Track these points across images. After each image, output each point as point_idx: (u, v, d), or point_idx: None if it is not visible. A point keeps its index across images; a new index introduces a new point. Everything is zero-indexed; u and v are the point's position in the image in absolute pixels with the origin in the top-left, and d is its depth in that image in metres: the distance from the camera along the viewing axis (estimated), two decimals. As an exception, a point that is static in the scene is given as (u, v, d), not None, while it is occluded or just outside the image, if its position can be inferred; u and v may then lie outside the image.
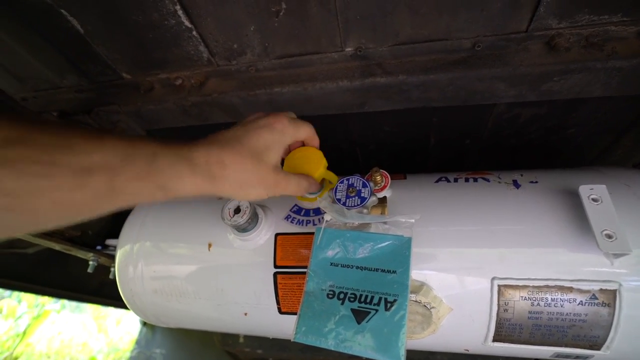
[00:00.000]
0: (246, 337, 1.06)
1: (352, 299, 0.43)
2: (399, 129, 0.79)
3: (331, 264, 0.46)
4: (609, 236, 0.41)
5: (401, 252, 0.42)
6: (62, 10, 0.58)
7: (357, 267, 0.45)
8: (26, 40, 0.65)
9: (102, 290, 1.41)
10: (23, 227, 0.27)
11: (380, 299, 0.41)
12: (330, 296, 0.44)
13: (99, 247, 0.78)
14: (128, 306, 0.68)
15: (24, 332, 2.11)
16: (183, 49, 0.63)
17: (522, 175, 0.55)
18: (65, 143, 0.26)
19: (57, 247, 0.71)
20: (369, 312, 0.41)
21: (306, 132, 0.46)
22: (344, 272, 0.45)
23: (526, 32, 0.54)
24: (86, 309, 2.68)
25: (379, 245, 0.44)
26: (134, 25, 0.59)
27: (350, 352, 0.41)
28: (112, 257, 0.76)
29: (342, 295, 0.44)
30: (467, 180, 0.55)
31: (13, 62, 0.71)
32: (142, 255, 0.61)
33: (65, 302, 2.54)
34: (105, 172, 0.27)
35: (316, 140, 0.48)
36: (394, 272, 0.42)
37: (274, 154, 0.40)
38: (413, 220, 0.43)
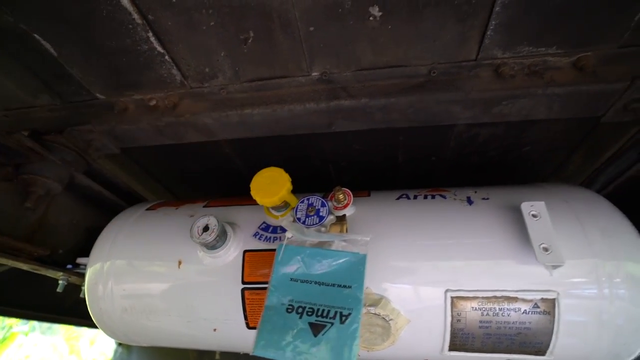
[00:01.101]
0: (222, 354, 1.05)
1: (309, 313, 0.45)
2: (368, 147, 0.83)
3: (291, 279, 0.48)
4: (546, 249, 0.45)
5: (356, 268, 0.45)
6: (36, 35, 0.59)
7: (316, 282, 0.47)
8: (-1, 62, 0.66)
9: (76, 310, 1.37)
10: None
11: (336, 312, 0.44)
12: (289, 310, 0.46)
13: (69, 266, 0.78)
14: (97, 325, 0.68)
15: (-11, 357, 2.01)
16: (156, 72, 0.65)
17: (475, 192, 0.59)
18: None
19: (24, 267, 0.70)
20: (325, 325, 0.43)
21: None
22: (303, 287, 0.47)
23: (475, 60, 0.59)
24: (58, 330, 2.57)
25: (336, 262, 0.47)
26: (107, 50, 0.61)
27: None
28: (83, 276, 0.75)
29: (300, 310, 0.46)
30: (425, 197, 0.59)
31: (-16, 82, 0.71)
32: (112, 274, 0.62)
33: (35, 323, 2.44)
34: None
35: None
36: (350, 287, 0.44)
37: None
38: (368, 239, 0.46)
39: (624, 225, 0.51)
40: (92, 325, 1.46)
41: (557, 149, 0.81)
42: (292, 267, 0.49)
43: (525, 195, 0.56)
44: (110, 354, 1.64)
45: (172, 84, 0.67)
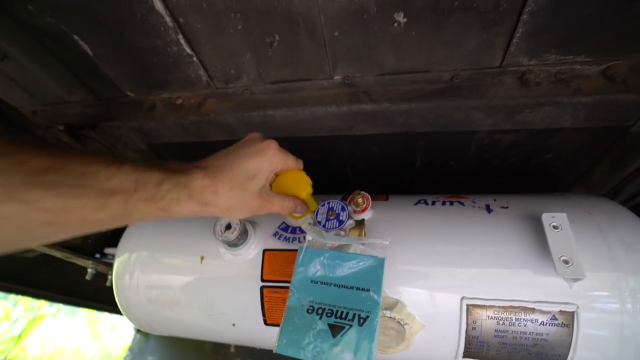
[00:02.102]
0: (237, 347, 1.08)
1: (329, 315, 0.46)
2: (387, 150, 0.83)
3: (312, 281, 0.50)
4: (566, 262, 0.45)
5: (375, 272, 0.46)
6: (75, 36, 0.63)
7: (335, 285, 0.49)
8: (40, 60, 0.69)
9: (98, 296, 1.44)
10: (56, 237, 0.32)
11: (354, 314, 0.45)
12: (309, 311, 0.48)
13: (97, 255, 0.82)
14: (123, 314, 0.71)
15: (19, 336, 2.12)
16: (184, 72, 0.67)
17: (495, 200, 0.58)
18: (91, 170, 0.31)
19: (58, 254, 0.74)
20: (344, 327, 0.45)
21: (294, 164, 0.50)
22: (322, 289, 0.49)
23: (500, 67, 0.59)
24: (80, 314, 2.69)
25: (355, 265, 0.48)
26: (139, 50, 0.64)
27: None
28: (110, 265, 0.79)
29: (320, 311, 0.47)
30: (443, 203, 0.59)
31: (26, 78, 0.75)
32: (138, 265, 0.65)
33: (60, 306, 2.56)
34: (122, 195, 0.33)
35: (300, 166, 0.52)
36: (368, 290, 0.45)
37: (260, 180, 0.45)
38: (387, 242, 0.47)
39: (650, 240, 0.50)
40: (112, 310, 1.53)
41: (581, 157, 0.79)
42: (313, 270, 0.50)
43: (546, 205, 0.56)
44: (129, 340, 1.71)
45: (198, 84, 0.70)
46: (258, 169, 0.44)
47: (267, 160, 0.45)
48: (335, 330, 0.45)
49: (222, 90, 0.71)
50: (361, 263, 0.47)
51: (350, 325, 0.44)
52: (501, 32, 0.54)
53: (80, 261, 0.78)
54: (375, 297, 0.45)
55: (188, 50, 0.63)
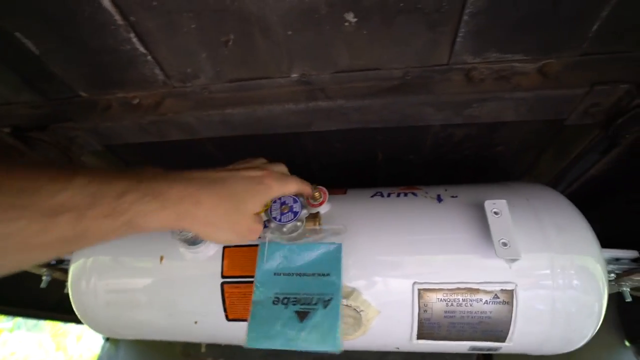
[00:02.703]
0: (208, 346, 1.08)
1: (294, 302, 0.49)
2: (349, 146, 0.86)
3: (274, 273, 0.51)
4: (504, 244, 0.48)
5: (334, 257, 0.49)
6: (17, 33, 0.60)
7: (297, 274, 0.51)
8: (-22, 58, 0.66)
9: (61, 307, 1.37)
10: None
11: (318, 299, 0.47)
12: (275, 302, 0.49)
13: (53, 262, 0.79)
14: (81, 319, 0.69)
15: (-27, 353, 1.98)
16: (139, 71, 0.66)
17: (446, 190, 0.62)
18: (32, 186, 0.27)
19: (8, 262, 0.71)
20: (309, 312, 0.47)
21: (293, 189, 0.50)
22: (286, 280, 0.51)
23: (447, 64, 0.62)
24: (44, 328, 2.55)
25: (314, 253, 0.50)
26: (89, 49, 0.62)
27: (297, 349, 0.47)
28: (66, 272, 0.76)
29: (285, 301, 0.49)
30: (398, 195, 0.62)
31: (-37, 77, 0.71)
32: (95, 269, 0.63)
33: (20, 321, 2.41)
34: (72, 212, 0.28)
35: (306, 190, 0.54)
36: (328, 274, 0.48)
37: (254, 205, 0.43)
38: (342, 227, 0.50)
39: (579, 221, 0.55)
40: (77, 321, 1.46)
41: (528, 148, 0.85)
42: (275, 263, 0.52)
43: (491, 194, 0.60)
44: (98, 349, 1.64)
45: (155, 83, 0.68)
46: (254, 193, 0.42)
47: (264, 188, 0.44)
48: (302, 315, 0.47)
49: (180, 90, 0.70)
50: (320, 251, 0.50)
51: (316, 309, 0.46)
52: (445, 32, 0.57)
53: (33, 268, 0.75)
54: (336, 280, 0.47)
55: (142, 49, 0.61)
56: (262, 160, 0.48)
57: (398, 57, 0.62)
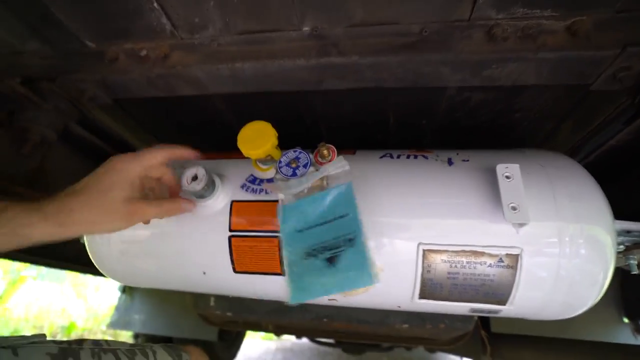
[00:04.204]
0: (216, 300, 1.13)
1: (322, 251, 0.50)
2: (360, 108, 0.83)
3: (297, 231, 0.53)
4: (514, 208, 0.48)
5: (346, 197, 0.50)
6: (20, -24, 0.58)
7: (318, 225, 0.52)
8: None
9: (79, 258, 1.45)
10: None
11: (343, 240, 0.49)
12: (306, 257, 0.51)
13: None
14: (98, 268, 0.73)
15: (0, 298, 2.14)
16: (145, 19, 0.64)
17: (457, 154, 0.61)
18: None
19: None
20: (338, 255, 0.49)
21: (154, 158, 0.52)
22: (309, 234, 0.52)
23: (469, 20, 0.58)
24: (65, 279, 2.71)
25: (327, 200, 0.51)
26: (94, -6, 0.60)
27: (337, 292, 0.49)
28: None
29: (314, 252, 0.51)
30: (408, 157, 0.61)
31: (-29, 24, 0.70)
32: (107, 219, 0.65)
33: (43, 271, 2.57)
34: None
35: (177, 153, 0.55)
36: (346, 215, 0.49)
37: (120, 191, 0.47)
38: (347, 168, 0.50)
39: (593, 191, 0.54)
40: (95, 272, 1.55)
41: (547, 117, 0.81)
42: (295, 222, 0.53)
43: (504, 159, 0.58)
44: (115, 300, 1.75)
45: (162, 33, 0.66)
46: (112, 182, 0.47)
47: (118, 172, 0.48)
48: (332, 260, 0.49)
49: (188, 41, 0.68)
50: (332, 196, 0.50)
51: (343, 250, 0.48)
52: (469, -17, 0.53)
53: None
54: (355, 218, 0.49)
55: (147, -6, 0.59)
56: (113, 158, 0.52)
57: (417, 11, 0.58)
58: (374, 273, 0.47)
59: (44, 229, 0.41)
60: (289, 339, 3.35)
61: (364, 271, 0.47)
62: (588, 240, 0.51)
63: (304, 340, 2.15)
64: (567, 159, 0.58)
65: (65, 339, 0.53)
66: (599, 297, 0.55)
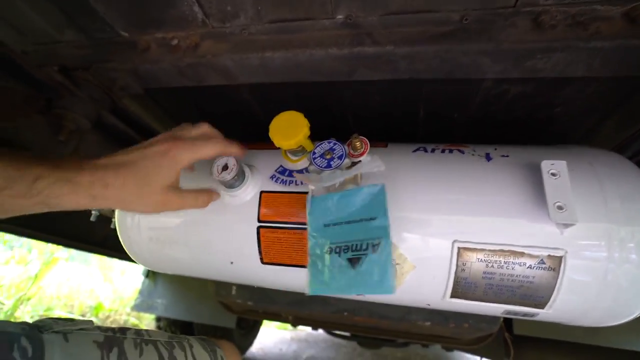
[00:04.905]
0: (238, 288, 1.14)
1: (346, 250, 0.49)
2: (389, 99, 0.81)
3: (324, 225, 0.52)
4: (560, 207, 0.45)
5: (378, 199, 0.48)
6: (59, -35, 0.58)
7: (346, 223, 0.51)
8: (24, -7, 0.66)
9: (106, 243, 1.50)
10: None
11: (367, 244, 0.47)
12: (329, 252, 0.50)
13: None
14: (128, 252, 0.75)
15: (35, 276, 2.26)
16: (178, 9, 0.64)
17: (496, 149, 0.58)
18: None
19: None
20: (361, 257, 0.48)
21: (208, 152, 0.50)
22: (336, 230, 0.51)
23: (514, 7, 0.55)
24: (92, 262, 2.83)
25: (359, 198, 0.50)
26: (129, -17, 0.60)
27: (353, 293, 0.48)
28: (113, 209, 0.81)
29: (337, 250, 0.50)
30: (443, 151, 0.58)
31: (13, 14, 0.72)
32: (139, 207, 0.66)
33: (74, 254, 2.69)
34: None
35: (228, 150, 0.53)
36: (375, 218, 0.47)
37: (164, 178, 0.46)
38: (383, 168, 0.48)
39: (648, 192, 0.50)
40: (120, 257, 1.60)
41: (590, 112, 0.76)
42: (323, 214, 0.52)
43: (547, 155, 0.54)
44: (139, 284, 1.81)
45: (193, 22, 0.66)
46: (160, 167, 0.45)
47: (170, 160, 0.46)
48: (354, 262, 0.48)
49: (219, 30, 0.67)
50: (363, 195, 0.49)
51: (366, 254, 0.46)
52: (518, -36, 0.49)
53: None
54: (383, 223, 0.47)
55: (181, -18, 0.59)
56: (185, 127, 0.51)
57: (457, -3, 0.55)
58: (393, 284, 0.45)
59: (74, 200, 0.41)
60: (304, 330, 3.39)
61: (384, 281, 0.46)
62: (639, 245, 0.47)
63: (320, 331, 2.16)
64: (618, 157, 0.54)
65: (108, 326, 0.55)
66: (646, 306, 0.51)
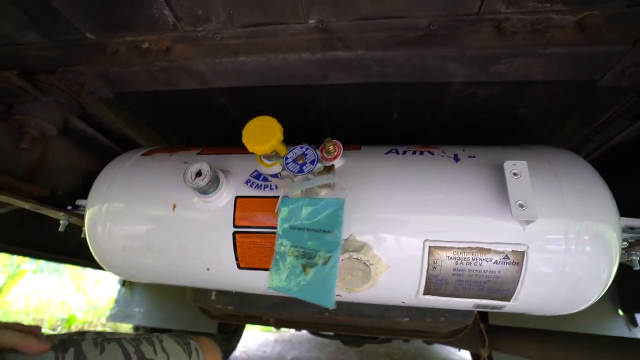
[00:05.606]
0: (218, 294, 1.13)
1: (302, 257, 0.50)
2: (364, 102, 0.83)
3: (290, 227, 0.52)
4: (521, 205, 0.47)
5: (336, 214, 0.49)
6: (17, -36, 0.56)
7: (307, 230, 0.51)
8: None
9: (79, 252, 1.44)
10: None
11: (319, 255, 0.48)
12: (290, 254, 0.51)
13: (69, 207, 0.81)
14: (100, 262, 0.72)
15: (0, 290, 2.14)
16: (147, 11, 0.62)
17: (463, 150, 0.60)
18: None
19: (26, 205, 0.73)
20: (312, 266, 0.48)
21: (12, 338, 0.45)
22: (298, 234, 0.52)
23: (477, 14, 0.57)
24: (64, 272, 2.70)
25: (321, 208, 0.51)
26: (93, -16, 0.58)
27: (300, 298, 0.50)
28: (83, 217, 0.78)
29: (296, 253, 0.51)
30: (414, 153, 0.60)
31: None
32: (110, 215, 0.65)
33: (43, 265, 2.56)
34: None
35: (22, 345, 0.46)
36: (330, 231, 0.48)
37: None
38: (348, 183, 0.50)
39: (600, 188, 0.53)
40: (95, 266, 1.54)
41: (552, 112, 0.81)
42: (289, 216, 0.53)
43: (511, 155, 0.58)
44: (114, 293, 1.75)
45: (164, 25, 0.65)
46: None
47: None
48: (305, 269, 0.48)
49: (191, 34, 0.66)
50: (326, 206, 0.50)
51: (317, 265, 0.47)
52: (479, -25, 0.52)
53: (51, 213, 0.77)
54: (336, 238, 0.47)
55: (149, -16, 0.58)
56: None
57: (425, 5, 0.57)
58: (333, 299, 0.48)
59: None
60: (287, 331, 3.38)
61: (327, 294, 0.48)
62: (594, 238, 0.51)
63: (303, 332, 2.17)
64: (574, 156, 0.58)
65: (66, 332, 0.53)
66: (601, 294, 0.55)
